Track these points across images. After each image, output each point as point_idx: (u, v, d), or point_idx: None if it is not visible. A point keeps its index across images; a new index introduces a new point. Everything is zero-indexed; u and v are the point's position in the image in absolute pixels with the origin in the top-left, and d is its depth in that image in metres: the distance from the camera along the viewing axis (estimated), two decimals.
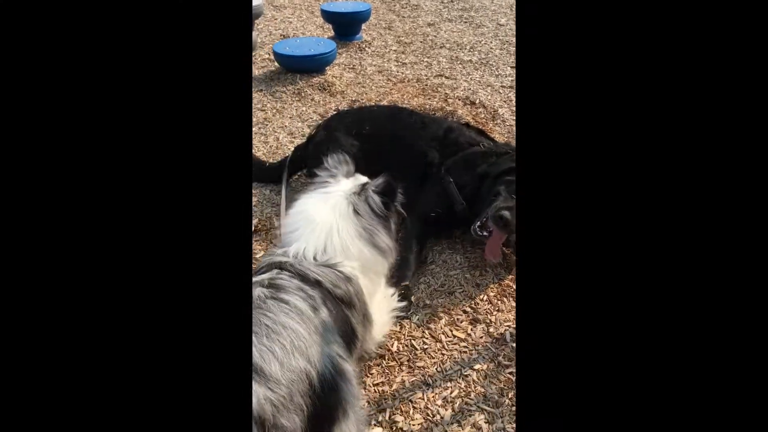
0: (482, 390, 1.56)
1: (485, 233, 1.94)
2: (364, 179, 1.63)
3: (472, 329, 1.77)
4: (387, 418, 1.49)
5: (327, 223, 1.45)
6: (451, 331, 1.76)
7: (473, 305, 1.86)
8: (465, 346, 1.71)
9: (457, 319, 1.81)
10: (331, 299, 1.31)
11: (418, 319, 1.80)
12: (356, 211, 1.49)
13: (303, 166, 2.49)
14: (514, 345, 1.70)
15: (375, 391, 1.57)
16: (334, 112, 2.62)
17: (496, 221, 1.84)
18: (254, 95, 3.35)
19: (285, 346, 1.10)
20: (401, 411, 1.51)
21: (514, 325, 1.78)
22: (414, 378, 1.61)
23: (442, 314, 1.82)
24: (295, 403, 1.06)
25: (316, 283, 1.30)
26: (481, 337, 1.74)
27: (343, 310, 1.34)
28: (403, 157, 2.20)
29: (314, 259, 1.38)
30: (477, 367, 1.64)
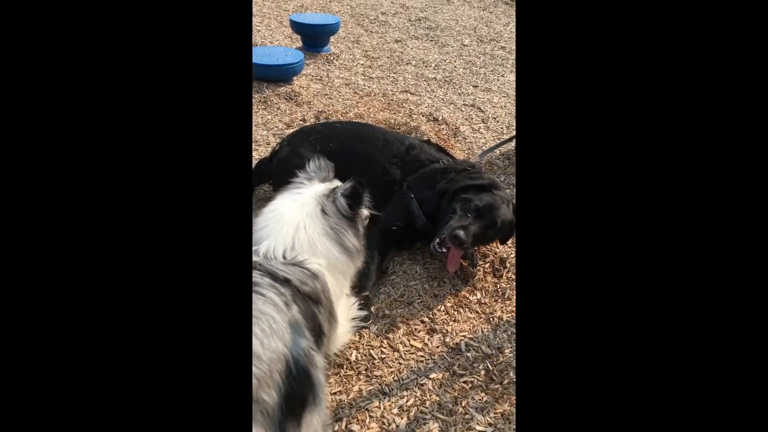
0: (437, 398, 1.61)
1: (444, 250, 2.01)
2: (337, 183, 1.68)
3: (428, 339, 1.82)
4: (343, 427, 1.51)
5: (294, 220, 1.50)
6: (409, 340, 1.81)
7: (431, 315, 1.92)
8: (422, 356, 1.75)
9: (415, 329, 1.85)
10: (300, 296, 1.35)
11: (377, 329, 1.83)
12: (324, 211, 1.54)
13: (266, 179, 2.50)
14: (469, 355, 1.76)
15: (332, 400, 1.58)
16: (298, 128, 2.64)
17: (452, 240, 1.92)
18: None
19: (264, 329, 1.16)
20: (357, 420, 1.53)
21: (470, 336, 1.85)
22: (371, 387, 1.63)
23: (400, 324, 1.86)
24: (274, 380, 1.12)
25: (285, 281, 1.34)
26: (438, 347, 1.79)
27: (311, 307, 1.39)
28: (366, 174, 2.24)
29: (283, 257, 1.42)
30: (432, 376, 1.68)
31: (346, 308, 1.73)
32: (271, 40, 4.56)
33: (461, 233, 1.89)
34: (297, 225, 1.50)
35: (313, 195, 1.58)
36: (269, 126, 3.13)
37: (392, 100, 3.69)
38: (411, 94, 3.84)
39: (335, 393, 1.61)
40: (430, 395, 1.62)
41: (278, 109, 3.34)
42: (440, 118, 3.47)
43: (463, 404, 1.60)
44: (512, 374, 1.69)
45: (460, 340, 1.82)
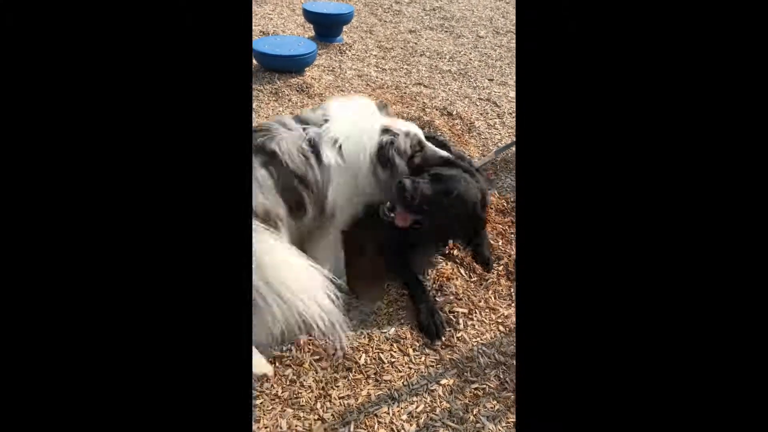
0: (447, 406, 1.57)
1: (392, 215, 1.89)
2: (396, 127, 1.97)
3: (440, 343, 1.78)
4: (351, 431, 1.48)
5: (348, 130, 1.91)
6: (420, 344, 1.77)
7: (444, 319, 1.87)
8: (432, 361, 1.71)
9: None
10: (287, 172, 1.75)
11: (387, 332, 1.79)
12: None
13: None
14: (481, 361, 1.72)
15: (340, 404, 1.55)
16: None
17: (397, 189, 1.79)
18: None
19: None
20: (366, 425, 1.50)
21: (482, 341, 1.80)
22: (380, 391, 1.60)
23: (411, 327, 1.82)
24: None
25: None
26: (449, 352, 1.75)
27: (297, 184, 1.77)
28: None
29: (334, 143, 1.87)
30: (443, 382, 1.65)
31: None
32: (283, 29, 4.49)
33: (407, 181, 1.78)
34: (344, 134, 1.88)
35: (377, 131, 1.93)
36: None
37: (405, 93, 3.62)
38: (425, 86, 3.77)
39: (343, 397, 1.58)
40: (441, 402, 1.58)
41: (289, 101, 3.29)
42: (454, 113, 3.39)
43: (474, 412, 1.56)
44: None
45: (473, 345, 1.78)
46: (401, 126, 2.00)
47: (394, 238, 2.03)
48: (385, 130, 1.94)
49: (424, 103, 3.48)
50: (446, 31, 4.99)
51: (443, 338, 1.79)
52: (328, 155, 1.84)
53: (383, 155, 1.89)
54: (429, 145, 2.05)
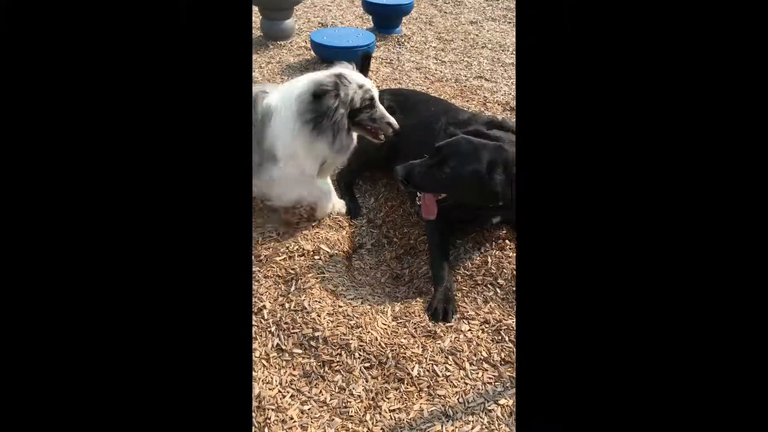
0: (507, 429, 1.44)
1: (419, 203, 1.94)
2: (351, 76, 1.88)
3: (499, 359, 1.65)
4: None
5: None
6: (477, 359, 1.64)
7: (502, 332, 1.73)
8: (490, 377, 1.59)
9: (486, 346, 1.68)
10: None
11: (442, 343, 1.68)
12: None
13: None
14: None
15: (390, 418, 1.46)
16: (397, 89, 2.84)
17: (395, 172, 1.87)
18: None
19: None
20: None
21: None
22: (433, 407, 1.50)
23: (468, 338, 1.70)
24: None
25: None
26: (508, 369, 1.61)
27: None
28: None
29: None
30: (502, 402, 1.51)
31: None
32: (342, 21, 4.43)
33: (399, 167, 1.86)
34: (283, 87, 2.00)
35: (312, 79, 1.87)
36: None
37: (465, 86, 3.46)
38: (486, 80, 3.58)
39: (394, 410, 1.48)
40: (499, 424, 1.46)
41: None
42: None
43: None
44: None
45: None
46: (356, 77, 1.87)
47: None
48: (334, 76, 1.84)
49: (485, 97, 3.31)
50: (509, 23, 4.75)
51: (450, 321, 1.75)
52: (265, 101, 1.92)
53: (318, 94, 1.78)
54: (381, 108, 1.91)
